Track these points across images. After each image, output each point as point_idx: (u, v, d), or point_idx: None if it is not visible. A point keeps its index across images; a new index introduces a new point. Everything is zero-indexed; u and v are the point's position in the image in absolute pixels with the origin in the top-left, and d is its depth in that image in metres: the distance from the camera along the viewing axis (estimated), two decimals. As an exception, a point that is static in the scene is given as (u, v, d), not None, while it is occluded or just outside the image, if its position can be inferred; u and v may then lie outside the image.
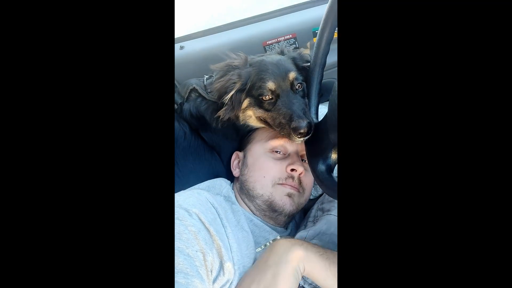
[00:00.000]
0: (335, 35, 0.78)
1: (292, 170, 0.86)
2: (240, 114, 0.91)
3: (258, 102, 0.85)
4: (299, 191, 0.88)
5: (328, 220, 0.82)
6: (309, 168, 0.77)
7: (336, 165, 0.69)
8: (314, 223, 0.85)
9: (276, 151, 0.90)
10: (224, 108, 0.87)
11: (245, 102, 0.87)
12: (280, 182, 0.85)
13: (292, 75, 0.83)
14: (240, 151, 0.99)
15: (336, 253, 0.66)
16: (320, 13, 1.04)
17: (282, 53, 0.93)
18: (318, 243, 0.73)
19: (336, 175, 0.98)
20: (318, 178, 0.70)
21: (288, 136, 0.81)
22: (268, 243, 0.81)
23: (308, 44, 0.98)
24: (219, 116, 0.89)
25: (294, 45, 1.15)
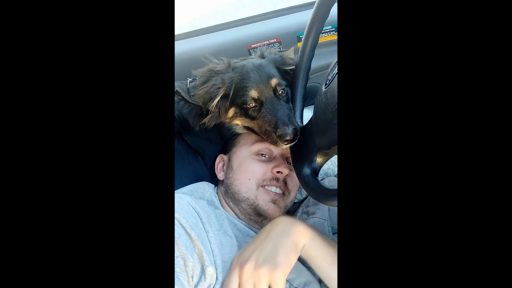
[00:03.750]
0: (321, 40, 0.79)
1: (278, 172, 0.86)
2: (227, 123, 0.90)
3: (244, 111, 0.85)
4: (283, 195, 0.88)
5: (313, 223, 0.82)
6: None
7: (336, 168, 0.69)
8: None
9: (262, 154, 0.90)
10: (209, 116, 0.86)
11: (231, 112, 0.86)
12: (264, 183, 0.85)
13: (275, 81, 0.83)
14: (224, 154, 0.98)
15: (330, 240, 0.67)
16: (304, 18, 1.05)
17: (262, 56, 0.91)
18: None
19: (321, 178, 0.99)
20: (303, 182, 0.70)
21: (275, 143, 0.81)
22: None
23: (292, 48, 0.98)
24: (204, 123, 0.88)
25: (278, 49, 1.16)
